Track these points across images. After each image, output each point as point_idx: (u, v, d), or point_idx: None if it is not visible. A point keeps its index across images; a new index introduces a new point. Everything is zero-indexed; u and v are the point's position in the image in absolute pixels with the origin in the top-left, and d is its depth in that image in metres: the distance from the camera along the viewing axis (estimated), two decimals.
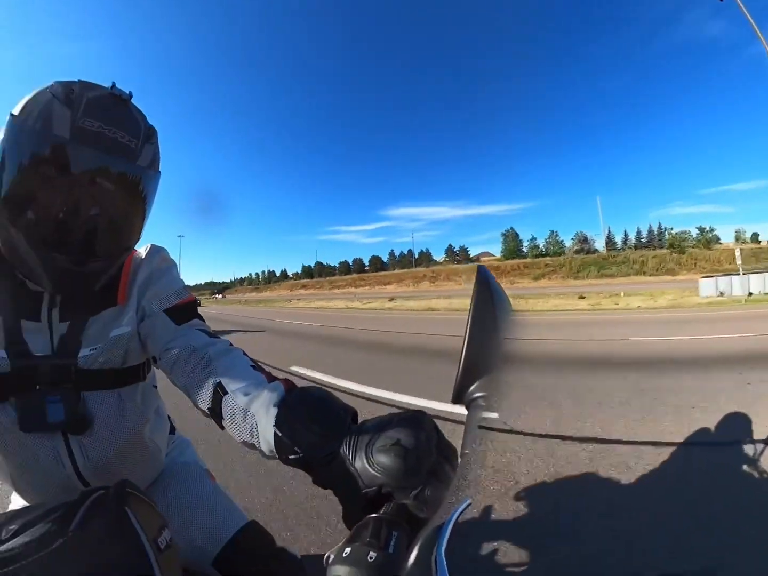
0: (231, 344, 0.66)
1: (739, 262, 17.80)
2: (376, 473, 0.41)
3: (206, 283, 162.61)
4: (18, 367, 0.61)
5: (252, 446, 0.52)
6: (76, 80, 0.60)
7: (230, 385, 0.56)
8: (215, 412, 0.56)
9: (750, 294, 16.67)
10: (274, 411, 0.50)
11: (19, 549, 0.34)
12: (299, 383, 0.54)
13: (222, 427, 0.56)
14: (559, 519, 1.94)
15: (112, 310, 0.69)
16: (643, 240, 75.91)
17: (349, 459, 0.43)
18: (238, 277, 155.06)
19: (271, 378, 0.57)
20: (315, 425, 0.46)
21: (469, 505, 0.42)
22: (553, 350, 6.60)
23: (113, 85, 0.61)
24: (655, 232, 74.50)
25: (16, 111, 0.56)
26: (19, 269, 0.63)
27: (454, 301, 23.10)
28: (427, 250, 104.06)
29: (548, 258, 69.96)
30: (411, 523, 0.38)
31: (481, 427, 0.39)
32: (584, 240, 74.14)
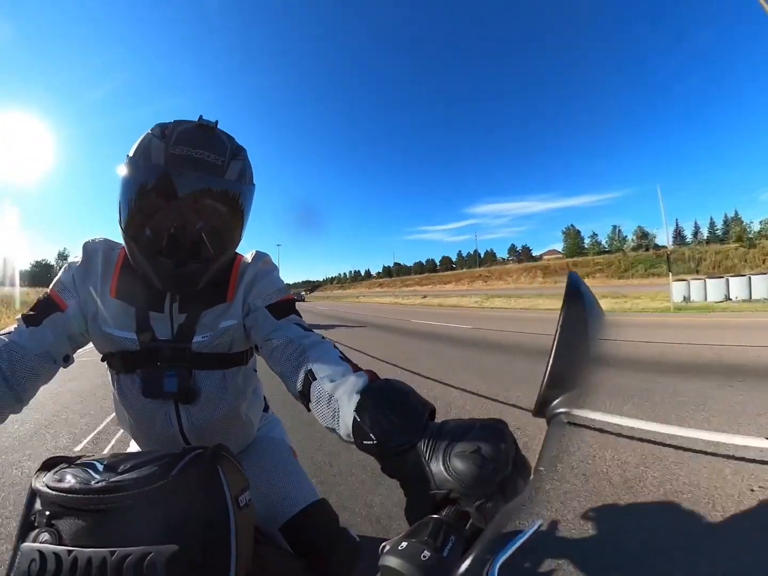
0: (323, 337, 0.73)
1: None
2: (449, 477, 0.40)
3: (303, 282, 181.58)
4: (145, 347, 0.75)
5: (332, 429, 0.57)
6: (173, 120, 0.71)
7: (319, 373, 0.62)
8: (304, 396, 0.63)
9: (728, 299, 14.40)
10: (356, 398, 0.54)
11: (131, 482, 0.43)
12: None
13: (309, 410, 0.63)
14: (631, 547, 1.67)
15: (222, 306, 0.80)
16: (718, 232, 64.74)
17: (425, 458, 0.43)
18: (329, 276, 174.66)
19: (357, 368, 0.62)
20: (393, 415, 0.48)
21: (539, 527, 0.39)
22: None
23: (200, 117, 0.71)
24: (730, 223, 62.11)
25: (130, 153, 0.69)
26: (142, 272, 0.76)
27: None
28: (491, 249, 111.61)
29: (601, 256, 64.21)
30: (470, 531, 0.38)
31: (573, 424, 0.36)
32: (643, 235, 66.66)
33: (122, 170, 0.69)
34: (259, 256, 0.89)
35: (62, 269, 0.80)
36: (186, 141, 0.66)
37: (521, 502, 0.34)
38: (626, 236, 69.57)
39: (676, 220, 72.60)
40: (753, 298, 14.10)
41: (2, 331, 0.71)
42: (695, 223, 70.98)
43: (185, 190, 0.65)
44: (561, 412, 0.38)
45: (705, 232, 67.80)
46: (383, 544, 0.37)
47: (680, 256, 47.77)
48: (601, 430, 2.91)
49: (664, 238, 61.52)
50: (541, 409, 0.39)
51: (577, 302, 0.40)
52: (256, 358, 0.94)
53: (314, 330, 0.75)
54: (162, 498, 0.42)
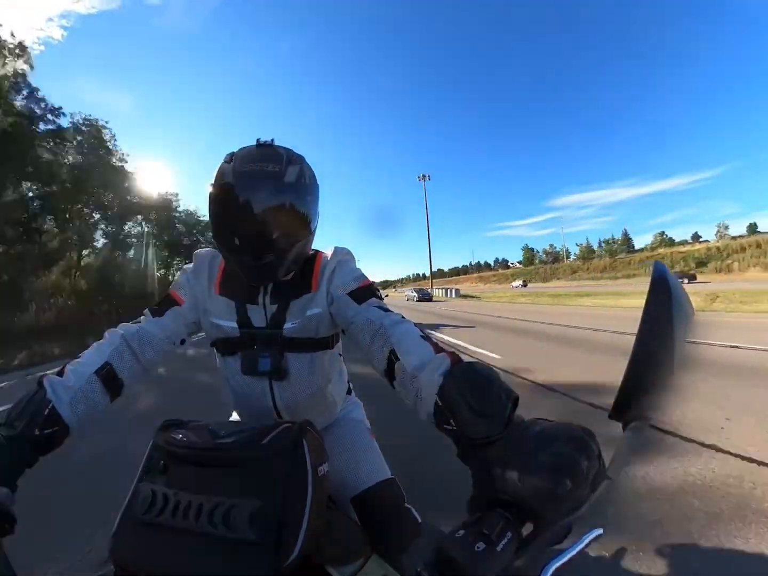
0: (403, 317, 0.77)
1: None
2: (521, 487, 0.39)
3: (380, 282, 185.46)
4: (244, 333, 0.88)
5: (415, 409, 0.60)
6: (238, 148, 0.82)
7: (402, 353, 0.66)
8: (389, 375, 0.68)
9: None
10: (438, 380, 0.55)
11: (229, 445, 0.51)
12: None
13: (393, 388, 0.67)
14: None
15: (308, 296, 0.89)
16: None
17: (501, 458, 0.42)
18: (403, 276, 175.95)
19: (438, 349, 0.63)
20: (474, 404, 0.49)
21: (599, 536, 0.37)
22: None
23: (258, 139, 0.82)
24: None
25: (211, 181, 0.81)
26: (234, 271, 0.88)
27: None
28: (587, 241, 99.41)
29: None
30: (528, 530, 0.37)
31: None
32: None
33: (208, 195, 0.82)
34: (338, 250, 0.97)
35: (179, 273, 0.98)
36: (248, 159, 0.78)
37: (585, 513, 0.33)
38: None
39: None
40: None
41: (134, 321, 0.90)
42: None
43: (249, 196, 0.76)
44: (640, 418, 0.35)
45: None
46: (442, 528, 0.39)
47: None
48: (698, 443, 2.49)
49: None
50: (617, 412, 0.37)
51: (663, 297, 0.36)
52: (341, 344, 1.03)
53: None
54: (253, 461, 0.49)
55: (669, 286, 0.36)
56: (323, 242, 1.01)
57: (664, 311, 0.35)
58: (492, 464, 0.43)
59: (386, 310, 0.79)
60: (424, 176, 63.74)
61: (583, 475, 0.38)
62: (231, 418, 1.08)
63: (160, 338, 0.88)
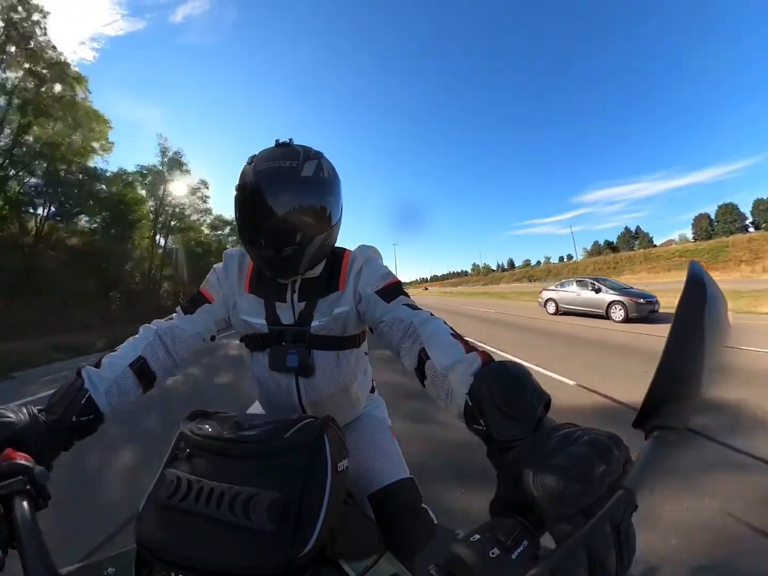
0: (432, 314, 0.77)
1: None
2: (534, 489, 0.39)
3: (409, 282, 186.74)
4: (272, 330, 0.90)
5: (446, 408, 0.61)
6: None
7: (432, 352, 0.66)
8: (420, 373, 0.68)
9: None
10: (469, 380, 0.55)
11: (253, 437, 0.53)
12: None
13: (423, 386, 0.67)
14: None
15: (335, 294, 0.90)
16: None
17: (525, 460, 0.42)
18: (426, 276, 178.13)
19: (469, 348, 0.63)
20: (505, 406, 0.48)
21: None
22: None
23: (277, 140, 0.85)
24: None
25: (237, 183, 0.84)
26: (258, 267, 0.90)
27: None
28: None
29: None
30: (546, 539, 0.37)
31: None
32: None
33: (234, 196, 0.85)
34: (365, 249, 0.97)
35: (210, 272, 1.00)
36: (267, 158, 0.81)
37: (600, 523, 0.32)
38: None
39: None
40: None
41: (166, 318, 0.93)
42: None
43: (268, 193, 0.79)
44: (665, 427, 0.33)
45: None
46: (457, 531, 0.39)
47: None
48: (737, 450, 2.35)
49: None
50: (641, 420, 0.35)
51: (698, 299, 0.34)
52: (367, 343, 1.04)
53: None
54: (275, 453, 0.51)
55: (705, 287, 0.34)
56: (347, 240, 1.02)
57: (697, 314, 0.33)
58: (515, 465, 0.43)
59: (415, 308, 0.79)
60: None
61: (596, 478, 0.36)
62: (251, 410, 1.11)
63: (191, 334, 0.90)
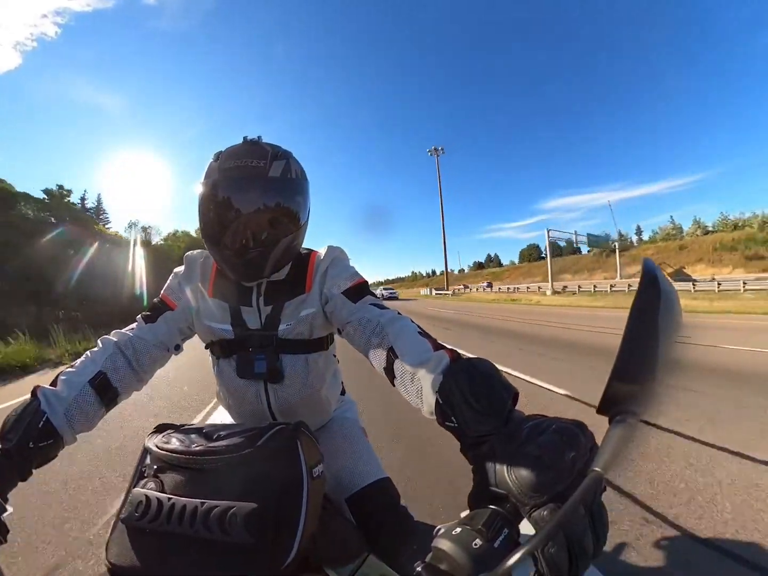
0: (399, 313, 0.76)
1: None
2: (508, 479, 0.40)
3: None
4: (238, 335, 0.86)
5: (417, 406, 0.60)
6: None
7: (401, 351, 0.65)
8: (389, 372, 0.67)
9: None
10: (438, 378, 0.55)
11: (223, 448, 0.50)
12: None
13: (394, 385, 0.67)
14: None
15: (302, 297, 0.88)
16: None
17: (497, 452, 0.43)
18: (385, 279, 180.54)
19: (437, 346, 0.63)
20: (474, 401, 0.49)
21: None
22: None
23: (245, 137, 0.83)
24: None
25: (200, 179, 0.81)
26: (223, 270, 0.87)
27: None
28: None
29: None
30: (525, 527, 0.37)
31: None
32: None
33: (197, 194, 0.81)
34: (331, 250, 0.95)
35: (171, 277, 0.96)
36: (234, 156, 0.78)
37: (572, 507, 0.33)
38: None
39: None
40: None
41: (126, 328, 0.87)
42: None
43: (234, 193, 0.77)
44: (627, 411, 0.35)
45: None
46: (438, 526, 0.39)
47: None
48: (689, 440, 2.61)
49: None
50: (604, 406, 0.37)
51: (652, 293, 0.36)
52: (335, 345, 1.03)
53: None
54: (247, 463, 0.49)
55: (658, 283, 0.36)
56: (314, 240, 0.99)
57: (651, 309, 0.35)
58: (488, 458, 0.43)
59: (382, 307, 0.79)
60: (436, 149, 56.56)
61: (566, 464, 0.38)
62: (218, 418, 1.07)
63: (154, 344, 0.86)
